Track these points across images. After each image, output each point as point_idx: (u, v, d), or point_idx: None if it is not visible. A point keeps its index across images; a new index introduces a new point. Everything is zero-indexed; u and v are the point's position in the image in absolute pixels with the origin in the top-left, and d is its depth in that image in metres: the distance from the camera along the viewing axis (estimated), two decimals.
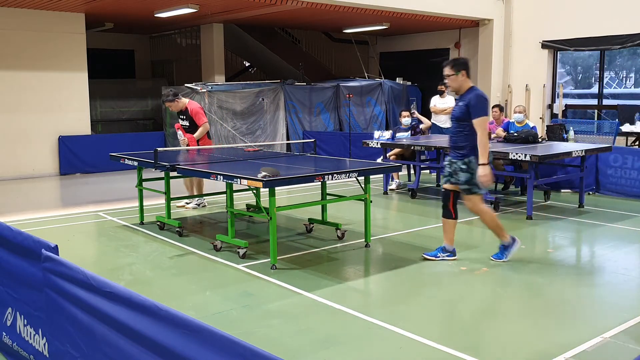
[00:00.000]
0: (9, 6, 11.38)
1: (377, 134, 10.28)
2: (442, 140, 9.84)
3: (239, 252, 5.98)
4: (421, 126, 10.83)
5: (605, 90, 14.60)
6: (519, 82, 14.67)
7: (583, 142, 11.07)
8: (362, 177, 6.25)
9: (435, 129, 12.91)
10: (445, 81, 5.67)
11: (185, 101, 8.40)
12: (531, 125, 9.49)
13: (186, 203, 8.50)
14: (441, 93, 12.36)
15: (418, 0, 12.71)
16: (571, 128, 11.64)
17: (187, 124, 8.32)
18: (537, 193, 9.23)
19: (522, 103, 13.78)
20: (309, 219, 7.27)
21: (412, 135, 10.61)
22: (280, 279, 5.28)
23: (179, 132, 8.39)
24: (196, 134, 8.23)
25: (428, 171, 11.59)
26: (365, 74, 17.03)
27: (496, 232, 5.84)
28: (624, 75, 18.51)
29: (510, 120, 9.72)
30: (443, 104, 12.35)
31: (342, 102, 15.19)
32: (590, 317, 4.53)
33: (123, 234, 7.17)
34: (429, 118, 14.08)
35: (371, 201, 6.40)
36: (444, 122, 12.64)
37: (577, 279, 5.52)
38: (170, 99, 8.29)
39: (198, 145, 8.25)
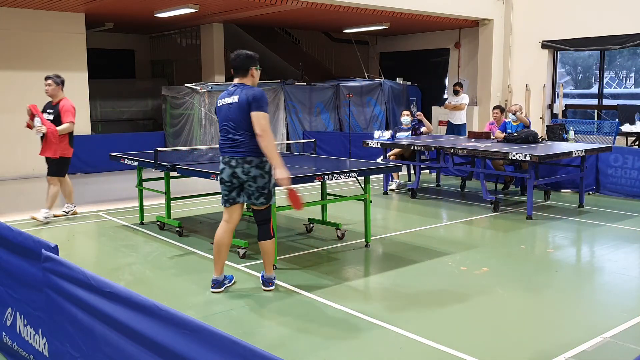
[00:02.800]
0: (9, 6, 11.39)
1: (377, 134, 10.28)
2: (443, 140, 9.85)
3: (239, 252, 5.98)
4: (422, 129, 10.83)
5: (605, 90, 14.59)
6: (519, 82, 14.67)
7: (583, 142, 11.07)
8: (362, 177, 6.26)
9: (449, 129, 13.28)
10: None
11: (62, 95, 7.88)
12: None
13: (64, 212, 8.06)
14: (456, 92, 13.05)
15: (418, 0, 12.71)
16: (571, 128, 11.64)
17: (51, 118, 7.68)
18: (537, 193, 9.23)
19: (522, 103, 13.79)
20: (309, 219, 7.28)
21: (412, 135, 10.61)
22: (280, 279, 5.28)
23: (37, 119, 7.52)
24: (60, 128, 7.64)
25: (428, 171, 11.59)
26: (365, 74, 17.03)
27: None
28: (624, 75, 18.51)
29: (507, 120, 9.73)
30: (455, 101, 13.08)
31: (342, 102, 15.19)
32: (590, 317, 4.53)
33: (123, 234, 7.17)
34: (430, 120, 14.26)
35: (371, 201, 6.40)
36: (455, 118, 13.17)
37: (577, 279, 5.52)
38: (58, 81, 7.78)
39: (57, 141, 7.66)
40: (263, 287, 5.07)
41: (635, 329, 4.21)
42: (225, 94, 4.91)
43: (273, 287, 5.06)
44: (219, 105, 4.93)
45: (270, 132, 4.71)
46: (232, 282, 5.20)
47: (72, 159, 12.27)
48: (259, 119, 4.67)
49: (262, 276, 5.12)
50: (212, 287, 5.02)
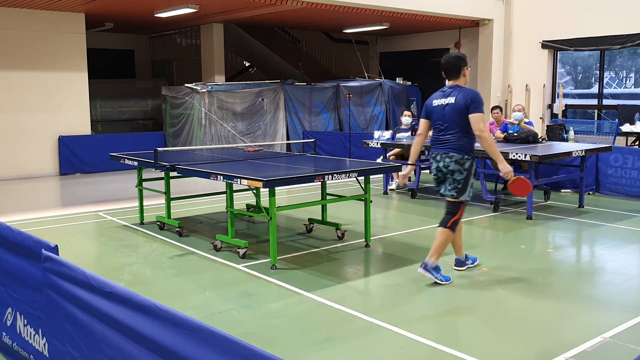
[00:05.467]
0: (9, 6, 11.38)
1: (377, 134, 10.28)
2: None
3: (239, 252, 5.98)
4: None
5: (605, 90, 14.60)
6: (519, 82, 14.67)
7: (583, 142, 11.07)
8: (362, 177, 6.25)
9: None
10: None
11: None
12: (526, 120, 9.52)
13: None
14: None
15: (418, 0, 12.71)
16: (571, 128, 11.64)
17: None
18: (537, 193, 9.23)
19: (522, 103, 13.79)
20: (309, 219, 7.27)
21: (412, 135, 10.61)
22: (280, 279, 5.28)
23: None
24: None
25: (428, 171, 11.57)
26: (365, 74, 17.03)
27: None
28: (624, 75, 18.52)
29: (509, 120, 9.72)
30: None
31: (342, 102, 15.19)
32: (590, 317, 4.53)
33: (123, 234, 7.17)
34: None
35: (371, 201, 6.40)
36: None
37: (577, 279, 5.52)
38: None
39: None
40: (419, 268, 5.20)
41: (635, 329, 4.21)
42: (439, 95, 5.25)
43: (427, 275, 5.14)
44: (433, 105, 5.27)
45: (488, 131, 5.10)
46: (475, 263, 5.65)
47: (72, 159, 12.47)
48: (477, 120, 5.01)
49: (424, 262, 5.19)
50: (455, 266, 5.55)
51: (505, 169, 5.16)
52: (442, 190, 5.33)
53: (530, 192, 5.41)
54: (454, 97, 5.11)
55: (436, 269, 5.18)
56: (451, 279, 5.25)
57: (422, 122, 5.40)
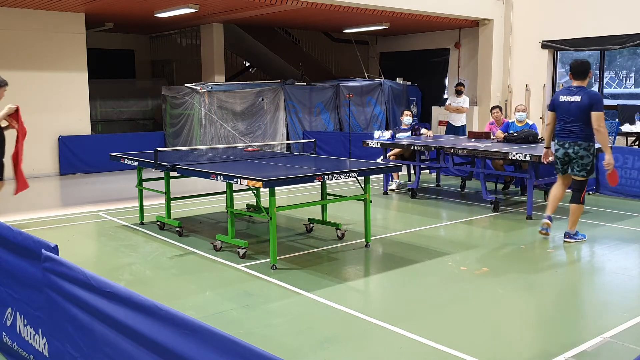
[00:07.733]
0: (9, 6, 11.39)
1: (377, 134, 10.27)
2: (443, 140, 9.84)
3: (239, 252, 5.98)
4: (422, 130, 10.83)
5: (605, 90, 14.60)
6: (519, 82, 14.67)
7: None
8: (362, 177, 6.26)
9: (449, 130, 13.20)
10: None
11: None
12: (530, 123, 9.51)
13: None
14: (459, 93, 13.02)
15: (418, 0, 12.71)
16: None
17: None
18: (537, 193, 9.23)
19: (523, 103, 13.79)
20: (309, 219, 7.27)
21: (412, 135, 10.60)
22: (280, 279, 5.28)
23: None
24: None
25: (428, 171, 11.59)
26: (365, 74, 17.03)
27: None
28: (624, 75, 18.52)
29: (510, 120, 9.72)
30: (457, 103, 13.01)
31: (342, 102, 15.19)
32: (590, 317, 4.53)
33: (123, 234, 7.17)
34: (430, 120, 14.16)
35: (371, 201, 6.40)
36: (455, 120, 13.14)
37: (577, 279, 5.52)
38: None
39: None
40: (564, 239, 6.54)
41: (635, 329, 4.21)
42: (566, 93, 6.32)
43: (571, 241, 6.47)
44: (560, 100, 6.34)
45: (605, 127, 6.17)
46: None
47: (72, 159, 12.47)
48: (597, 118, 6.09)
49: (565, 232, 6.55)
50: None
51: (610, 160, 6.21)
52: (570, 172, 6.38)
53: (617, 183, 6.63)
54: (580, 97, 6.15)
55: (576, 234, 6.49)
56: (586, 235, 6.64)
57: (550, 114, 6.49)
